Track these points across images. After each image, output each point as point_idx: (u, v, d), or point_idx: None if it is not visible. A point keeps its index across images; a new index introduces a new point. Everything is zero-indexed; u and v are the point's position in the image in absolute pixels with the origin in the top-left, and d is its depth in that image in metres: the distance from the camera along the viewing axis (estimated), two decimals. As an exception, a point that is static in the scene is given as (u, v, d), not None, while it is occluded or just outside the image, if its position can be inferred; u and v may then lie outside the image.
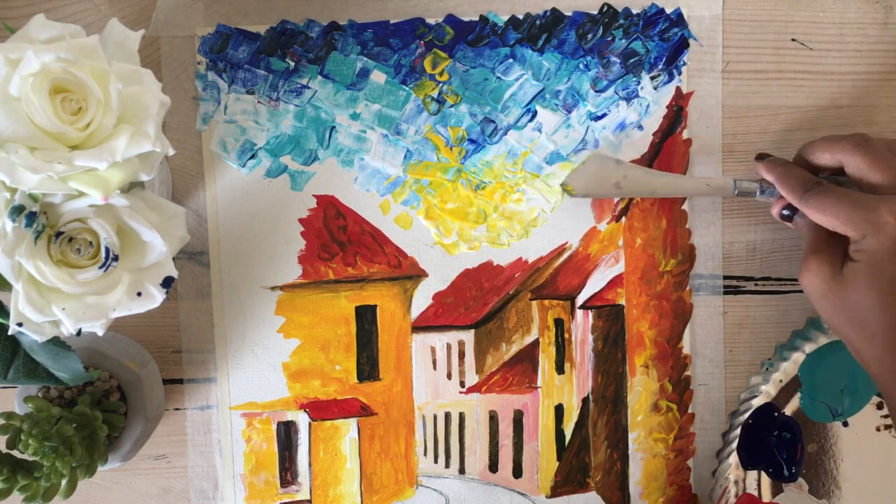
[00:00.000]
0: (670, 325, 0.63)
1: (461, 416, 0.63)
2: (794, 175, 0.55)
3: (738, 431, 0.62)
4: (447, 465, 0.64)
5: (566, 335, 0.63)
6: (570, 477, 0.64)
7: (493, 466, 0.64)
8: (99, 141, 0.43)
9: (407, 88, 0.60)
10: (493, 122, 0.61)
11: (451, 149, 0.61)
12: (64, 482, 0.51)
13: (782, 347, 0.62)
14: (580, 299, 0.63)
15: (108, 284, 0.45)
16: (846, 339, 0.54)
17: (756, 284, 0.63)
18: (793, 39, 0.62)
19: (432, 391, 0.63)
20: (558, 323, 0.63)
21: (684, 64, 0.61)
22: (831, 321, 0.54)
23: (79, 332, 0.45)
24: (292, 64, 0.60)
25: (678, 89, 0.61)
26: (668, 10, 0.61)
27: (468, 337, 0.63)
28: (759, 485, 0.62)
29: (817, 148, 0.56)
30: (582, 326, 0.63)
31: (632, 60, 0.61)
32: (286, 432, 0.63)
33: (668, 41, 0.61)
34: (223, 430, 0.62)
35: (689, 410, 0.64)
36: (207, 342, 0.62)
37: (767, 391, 0.62)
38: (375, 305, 0.62)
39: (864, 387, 0.62)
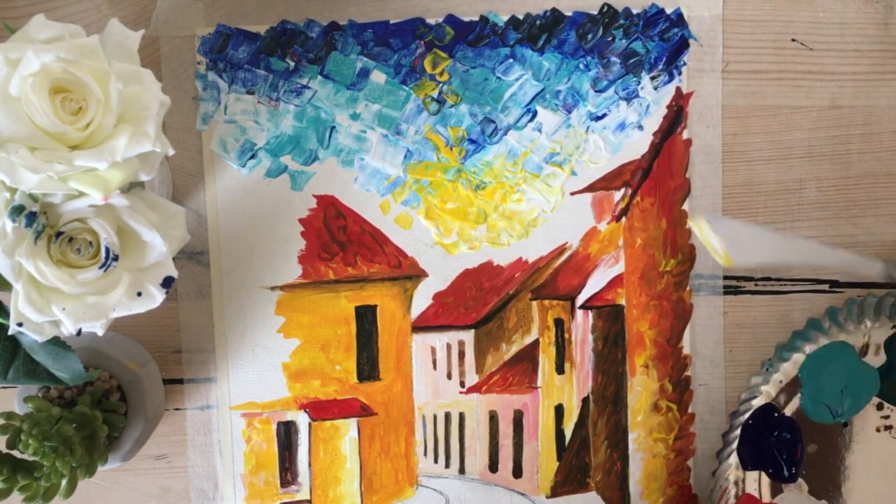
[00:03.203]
0: (670, 325, 0.63)
1: (461, 416, 0.63)
2: None
3: (738, 431, 0.62)
4: (447, 465, 0.64)
5: (566, 335, 0.63)
6: (570, 477, 0.64)
7: (493, 466, 0.64)
8: (99, 141, 0.43)
9: (407, 88, 0.60)
10: (493, 122, 0.61)
11: (451, 149, 0.61)
12: (64, 482, 0.51)
13: (782, 348, 0.62)
14: (580, 299, 0.63)
15: (108, 284, 0.45)
16: None
17: (756, 284, 0.63)
18: (793, 39, 0.62)
19: (432, 391, 0.63)
20: (558, 323, 0.63)
21: (684, 64, 0.61)
22: None
23: (79, 332, 0.45)
24: (292, 64, 0.60)
25: (678, 89, 0.61)
26: (668, 11, 0.61)
27: (468, 337, 0.63)
28: (759, 485, 0.62)
29: None
30: (582, 326, 0.63)
31: (632, 60, 0.61)
32: (286, 432, 0.63)
33: (668, 41, 0.61)
34: (223, 430, 0.62)
35: (689, 410, 0.64)
36: (207, 342, 0.62)
37: (767, 391, 0.62)
38: (375, 305, 0.62)
39: (865, 387, 0.62)
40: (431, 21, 0.60)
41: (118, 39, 0.46)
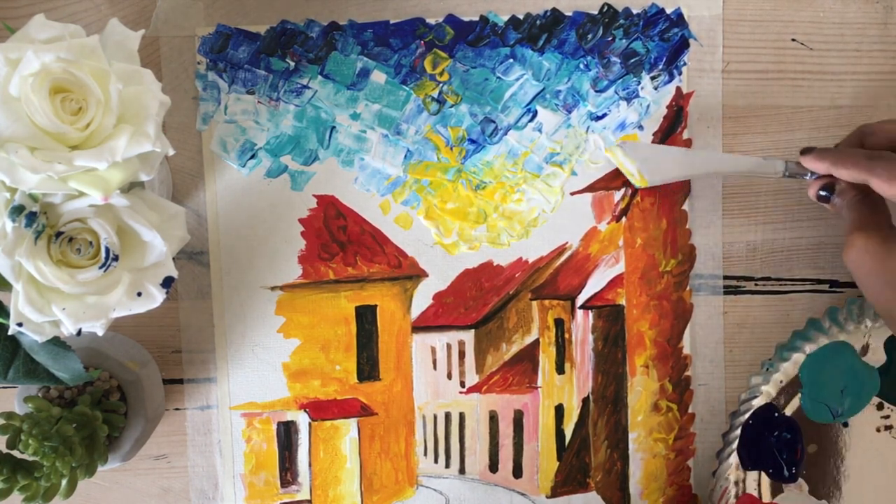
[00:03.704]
0: (670, 325, 0.63)
1: (461, 416, 0.63)
2: (852, 153, 0.55)
3: (738, 431, 0.62)
4: (447, 465, 0.64)
5: (566, 335, 0.63)
6: (570, 477, 0.64)
7: (493, 466, 0.64)
8: (99, 141, 0.43)
9: (407, 88, 0.60)
10: (494, 122, 0.61)
11: (451, 149, 0.61)
12: (64, 482, 0.51)
13: (782, 348, 0.62)
14: (580, 299, 0.63)
15: (108, 284, 0.45)
16: (893, 314, 0.53)
17: (756, 284, 0.63)
18: (793, 39, 0.62)
19: (432, 391, 0.63)
20: (558, 323, 0.63)
21: (684, 64, 0.61)
22: (878, 297, 0.54)
23: (79, 332, 0.45)
24: (292, 64, 0.60)
25: (678, 89, 0.61)
26: (669, 10, 0.61)
27: (468, 337, 0.63)
28: (759, 485, 0.62)
29: (880, 129, 0.56)
30: (582, 326, 0.63)
31: (632, 60, 0.61)
32: (286, 432, 0.63)
33: (668, 41, 0.61)
34: (223, 430, 0.62)
35: (689, 410, 0.64)
36: (207, 342, 0.62)
37: (767, 391, 0.62)
38: (375, 305, 0.62)
39: (865, 387, 0.62)
40: (431, 21, 0.60)
41: (118, 39, 0.46)
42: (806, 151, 0.57)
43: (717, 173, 0.59)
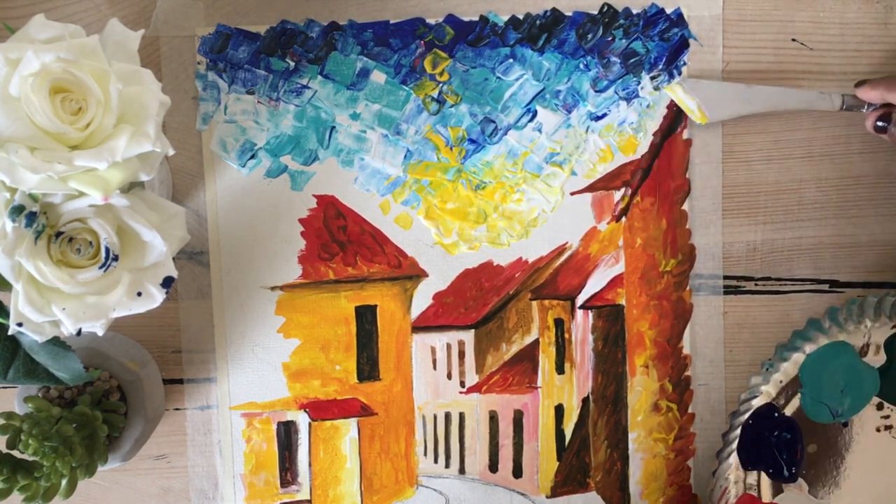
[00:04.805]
0: (670, 325, 0.63)
1: (461, 416, 0.63)
2: None
3: (738, 431, 0.62)
4: (447, 465, 0.64)
5: (566, 335, 0.63)
6: (570, 477, 0.64)
7: (493, 466, 0.64)
8: (99, 141, 0.43)
9: (407, 88, 0.60)
10: (493, 122, 0.61)
11: (451, 149, 0.61)
12: (64, 482, 0.51)
13: (782, 347, 0.62)
14: (580, 299, 0.63)
15: (108, 284, 0.45)
16: None
17: (756, 284, 0.63)
18: (793, 39, 0.62)
19: (432, 391, 0.63)
20: (558, 323, 0.63)
21: (684, 64, 0.61)
22: None
23: (79, 332, 0.45)
24: (292, 64, 0.60)
25: (678, 89, 0.61)
26: (669, 10, 0.61)
27: (468, 337, 0.63)
28: (758, 485, 0.62)
29: None
30: (582, 326, 0.63)
31: (632, 60, 0.61)
32: (286, 432, 0.63)
33: (668, 41, 0.61)
34: (223, 430, 0.62)
35: (689, 410, 0.64)
36: (207, 342, 0.62)
37: (767, 391, 0.62)
38: (375, 305, 0.62)
39: (865, 387, 0.62)
40: (431, 21, 0.60)
41: (118, 39, 0.46)
42: (860, 84, 0.59)
43: (776, 110, 0.60)
